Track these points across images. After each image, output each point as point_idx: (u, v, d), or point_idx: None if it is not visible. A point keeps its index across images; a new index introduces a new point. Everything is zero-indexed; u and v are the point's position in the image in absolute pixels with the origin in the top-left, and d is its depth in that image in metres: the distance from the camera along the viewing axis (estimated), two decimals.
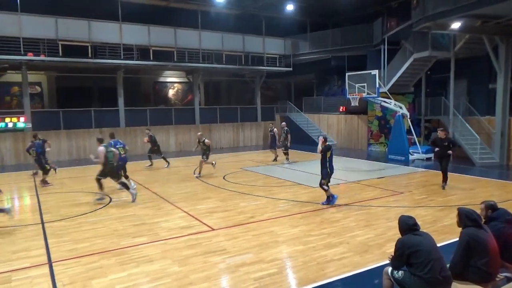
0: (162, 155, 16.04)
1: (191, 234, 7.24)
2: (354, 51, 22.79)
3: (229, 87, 29.10)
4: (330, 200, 9.15)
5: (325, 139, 9.19)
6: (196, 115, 23.13)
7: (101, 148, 9.66)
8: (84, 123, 19.49)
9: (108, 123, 19.92)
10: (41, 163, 12.45)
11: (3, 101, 20.68)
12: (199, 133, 14.33)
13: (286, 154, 16.14)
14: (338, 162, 16.27)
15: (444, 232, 7.01)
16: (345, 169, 14.60)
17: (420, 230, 4.22)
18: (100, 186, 9.90)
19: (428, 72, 19.49)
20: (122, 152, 11.25)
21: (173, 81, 26.25)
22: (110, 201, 10.04)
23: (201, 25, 21.77)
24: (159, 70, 24.45)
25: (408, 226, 4.17)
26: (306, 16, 24.59)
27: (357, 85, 17.80)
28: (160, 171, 15.08)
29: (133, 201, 9.84)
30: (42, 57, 17.66)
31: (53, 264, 5.98)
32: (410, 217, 4.27)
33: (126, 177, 11.38)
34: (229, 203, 9.62)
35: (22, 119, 18.02)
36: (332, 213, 8.55)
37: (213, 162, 13.94)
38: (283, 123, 17.36)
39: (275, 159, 16.76)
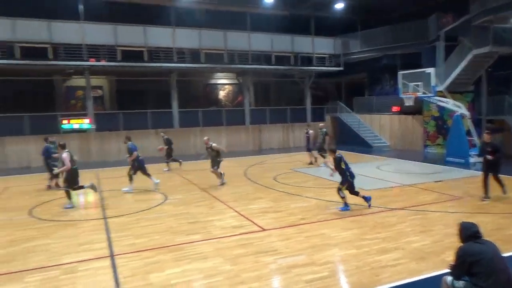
0: (172, 158, 15.91)
1: (243, 233, 7.37)
2: (407, 48, 21.91)
3: (279, 88, 29.14)
4: (346, 206, 8.85)
5: (333, 151, 9.07)
6: (246, 116, 23.45)
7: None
8: (141, 124, 20.48)
9: (162, 124, 20.77)
10: (48, 166, 12.44)
11: (69, 104, 22.29)
12: (205, 138, 12.65)
13: (323, 156, 15.68)
14: (390, 164, 15.86)
15: (509, 242, 6.55)
16: (398, 171, 14.09)
17: (483, 238, 3.99)
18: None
19: (490, 69, 18.28)
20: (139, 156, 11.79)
21: (223, 83, 26.81)
22: (166, 199, 10.47)
23: (250, 27, 22.05)
24: (210, 72, 25.08)
25: (470, 233, 3.96)
26: (356, 14, 24.03)
27: (411, 84, 17.10)
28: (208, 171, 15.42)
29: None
30: (102, 62, 18.81)
31: (115, 257, 6.36)
32: (473, 224, 4.05)
33: (148, 175, 11.77)
34: (280, 204, 9.66)
35: (86, 120, 19.32)
36: (386, 217, 8.29)
37: (222, 173, 12.27)
38: (321, 124, 16.97)
39: (311, 163, 16.21)
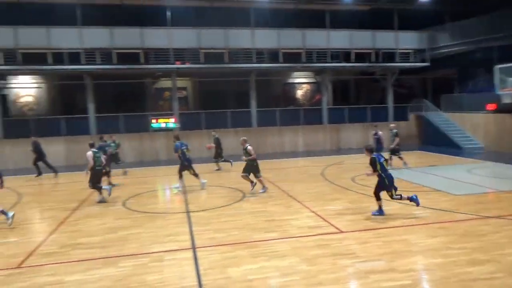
0: (223, 159, 15.93)
1: (320, 234, 7.30)
2: (506, 40, 19.69)
3: (358, 86, 28.24)
4: (381, 211, 8.42)
5: (370, 150, 8.60)
6: (324, 115, 23.13)
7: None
8: (222, 124, 21.32)
9: (241, 124, 21.41)
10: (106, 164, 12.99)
11: (157, 105, 24.04)
12: (242, 138, 11.47)
13: (400, 158, 14.66)
14: (485, 168, 14.44)
15: None
16: (494, 176, 12.79)
17: None
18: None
19: None
20: (187, 154, 11.89)
21: (301, 82, 26.73)
22: (244, 196, 10.77)
23: (329, 24, 21.68)
24: (288, 71, 25.18)
25: None
26: (444, 5, 22.25)
27: (510, 79, 15.40)
28: (288, 170, 15.53)
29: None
30: (187, 65, 19.97)
31: (196, 249, 6.72)
32: None
33: (196, 175, 11.98)
34: (359, 205, 9.38)
35: (172, 120, 20.70)
36: (478, 225, 7.59)
37: (253, 182, 11.12)
38: (392, 124, 15.77)
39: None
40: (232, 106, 22.63)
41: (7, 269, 6.16)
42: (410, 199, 8.36)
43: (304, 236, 7.25)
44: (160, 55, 19.75)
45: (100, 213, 9.56)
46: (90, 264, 6.25)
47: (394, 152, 14.61)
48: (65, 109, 21.68)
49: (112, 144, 14.82)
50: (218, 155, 15.93)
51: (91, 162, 10.47)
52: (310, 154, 20.72)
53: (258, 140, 21.07)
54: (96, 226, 8.40)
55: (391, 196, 8.36)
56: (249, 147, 10.93)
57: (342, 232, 7.42)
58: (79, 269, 6.06)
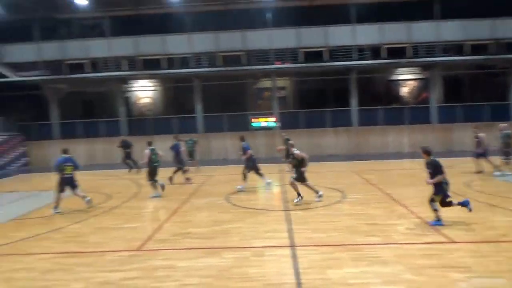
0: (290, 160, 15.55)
1: (427, 243, 6.78)
2: None
3: (473, 82, 25.40)
4: (439, 220, 7.65)
5: (428, 152, 7.76)
6: (432, 114, 21.38)
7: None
8: (320, 123, 21.14)
9: (341, 123, 20.96)
10: (177, 161, 13.78)
11: (257, 104, 24.83)
12: (288, 139, 10.58)
13: (507, 163, 12.61)
14: None
15: None
16: None
17: None
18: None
19: None
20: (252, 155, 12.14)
21: (406, 78, 25.07)
22: (344, 197, 10.53)
23: (439, 14, 19.93)
24: (392, 68, 23.81)
25: None
26: None
27: None
28: (391, 172, 14.73)
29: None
30: (286, 65, 20.24)
31: (295, 248, 6.77)
32: None
33: (261, 174, 12.07)
34: (474, 214, 8.43)
35: (272, 119, 21.20)
36: None
37: (299, 197, 9.86)
38: (503, 124, 13.49)
39: (480, 171, 13.27)
40: (332, 105, 22.25)
41: (128, 250, 6.98)
42: (462, 204, 7.77)
43: (410, 243, 6.80)
44: (261, 56, 20.38)
45: (206, 206, 10.24)
46: (197, 252, 6.74)
47: (507, 154, 12.81)
48: (176, 109, 23.72)
49: (189, 142, 16.21)
50: (288, 156, 15.98)
51: (147, 159, 11.53)
52: (416, 156, 19.28)
53: (359, 140, 20.44)
54: (203, 218, 9.03)
55: (431, 201, 7.77)
56: (296, 152, 10.01)
57: (454, 242, 6.77)
58: (187, 256, 6.58)
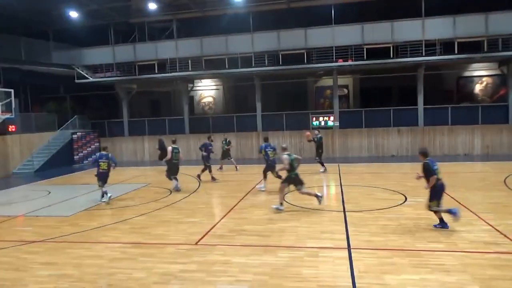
0: (318, 160, 15.25)
1: (498, 252, 6.24)
2: None
3: None
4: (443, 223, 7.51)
5: (424, 154, 7.63)
6: (511, 113, 19.54)
7: (285, 156, 9.48)
8: (383, 122, 20.31)
9: (406, 122, 19.97)
10: (207, 160, 14.12)
11: (318, 103, 24.50)
12: (282, 146, 9.93)
13: None
14: None
15: None
16: None
17: None
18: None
19: None
20: (271, 156, 12.00)
21: (481, 75, 23.16)
22: (406, 200, 10.06)
23: None
24: (465, 63, 22.14)
25: None
26: None
27: None
28: (460, 175, 13.76)
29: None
30: (349, 62, 19.70)
31: (351, 250, 6.60)
32: None
33: (279, 177, 11.60)
34: None
35: (331, 118, 20.81)
36: None
37: (280, 205, 9.48)
38: None
39: None
40: (396, 103, 21.27)
41: (187, 244, 7.29)
42: (449, 211, 7.44)
43: (477, 252, 6.32)
44: (322, 53, 20.05)
45: (262, 204, 10.35)
46: (252, 250, 6.84)
47: None
48: (236, 108, 24.21)
49: (223, 142, 16.67)
50: (319, 155, 15.56)
51: (169, 156, 12.24)
52: (490, 158, 17.86)
53: (424, 140, 19.33)
54: (258, 216, 9.14)
55: (430, 207, 7.59)
56: (282, 156, 9.54)
57: None
58: (243, 253, 6.71)
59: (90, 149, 22.76)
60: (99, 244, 7.56)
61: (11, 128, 18.70)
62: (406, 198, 10.22)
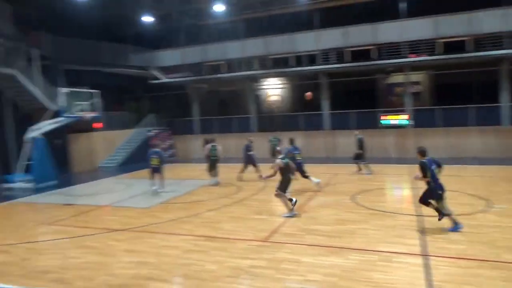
0: (363, 162, 14.42)
1: None
2: None
3: None
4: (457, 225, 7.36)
5: (422, 153, 7.58)
6: None
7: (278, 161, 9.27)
8: (462, 121, 18.89)
9: (488, 121, 18.37)
10: (244, 160, 14.61)
11: (388, 101, 23.43)
12: (275, 144, 10.36)
13: None
14: None
15: None
16: None
17: None
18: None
19: None
20: (298, 158, 11.87)
21: None
22: (490, 207, 9.27)
23: None
24: None
25: None
26: None
27: None
28: None
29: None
30: (422, 57, 18.59)
31: (428, 257, 6.23)
32: None
33: (306, 177, 11.88)
34: None
35: (404, 116, 19.82)
36: None
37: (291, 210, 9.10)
38: None
39: None
40: (477, 100, 19.66)
41: (256, 240, 7.41)
42: (455, 225, 7.37)
43: None
44: (392, 49, 19.15)
45: (331, 204, 10.17)
46: (320, 250, 6.77)
47: None
48: (303, 107, 24.03)
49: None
50: (360, 156, 14.77)
51: (206, 152, 13.54)
52: None
53: (507, 142, 17.65)
54: (328, 216, 9.00)
55: (427, 204, 7.57)
56: (277, 160, 9.29)
57: None
58: (311, 252, 6.67)
59: (164, 145, 24.08)
60: (175, 235, 7.99)
61: (97, 126, 20.46)
62: (489, 204, 9.42)
